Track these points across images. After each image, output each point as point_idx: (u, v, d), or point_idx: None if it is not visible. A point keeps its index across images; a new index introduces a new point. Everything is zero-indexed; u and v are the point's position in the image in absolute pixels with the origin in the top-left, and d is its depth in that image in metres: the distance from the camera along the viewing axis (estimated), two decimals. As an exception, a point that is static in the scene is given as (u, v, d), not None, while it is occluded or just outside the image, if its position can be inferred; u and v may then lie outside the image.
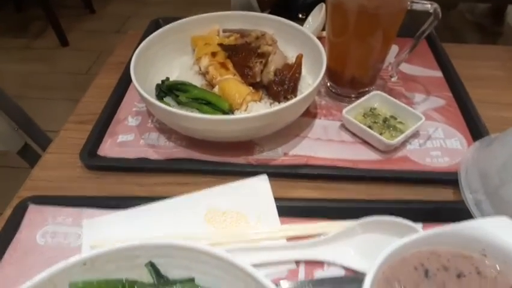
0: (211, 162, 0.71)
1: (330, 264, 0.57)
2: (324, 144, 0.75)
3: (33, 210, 0.62)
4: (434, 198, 0.66)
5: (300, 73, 0.79)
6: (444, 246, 0.50)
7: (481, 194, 0.62)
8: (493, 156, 0.64)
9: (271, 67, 0.77)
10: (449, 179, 0.67)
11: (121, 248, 0.45)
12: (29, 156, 1.17)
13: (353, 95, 0.83)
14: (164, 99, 0.76)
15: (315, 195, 0.67)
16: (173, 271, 0.48)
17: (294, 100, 0.67)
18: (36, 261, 0.56)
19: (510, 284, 0.47)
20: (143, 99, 0.69)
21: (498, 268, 0.48)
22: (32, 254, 0.57)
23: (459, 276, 0.48)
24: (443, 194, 0.67)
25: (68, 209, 0.62)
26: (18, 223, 0.61)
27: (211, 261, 0.47)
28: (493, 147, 0.66)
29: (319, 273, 0.56)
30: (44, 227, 0.60)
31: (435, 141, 0.75)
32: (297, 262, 0.57)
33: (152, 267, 0.47)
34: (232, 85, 0.74)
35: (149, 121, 0.79)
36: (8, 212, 0.63)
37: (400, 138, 0.71)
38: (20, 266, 0.56)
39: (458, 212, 0.59)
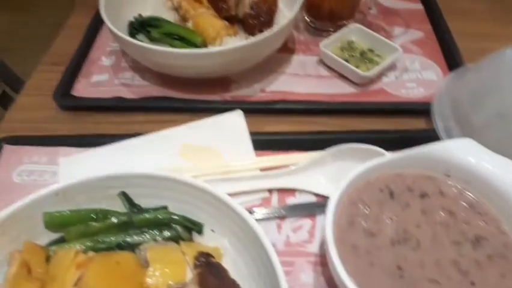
0: (187, 100, 0.71)
1: (301, 191, 0.59)
2: (302, 79, 0.75)
3: (8, 150, 0.62)
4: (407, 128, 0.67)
5: (276, 6, 0.77)
6: (410, 169, 0.51)
7: (452, 121, 0.62)
8: (466, 84, 0.65)
9: (247, 0, 0.75)
10: (422, 109, 0.67)
11: (92, 179, 0.46)
12: (7, 104, 1.15)
13: (331, 29, 0.82)
14: (136, 36, 0.74)
15: (290, 130, 0.68)
16: (145, 200, 0.50)
17: (269, 32, 0.65)
18: (13, 199, 0.57)
19: (470, 201, 0.49)
20: (114, 36, 0.67)
21: (460, 187, 0.50)
22: (9, 192, 0.58)
23: (423, 196, 0.50)
24: (416, 124, 0.68)
25: (44, 148, 0.63)
26: (-6, 164, 0.61)
27: (182, 188, 0.48)
28: (467, 77, 0.67)
29: (291, 201, 0.58)
30: (19, 166, 0.61)
31: (411, 74, 0.75)
32: (270, 191, 0.59)
33: (125, 196, 0.48)
34: (206, 19, 0.72)
35: (124, 60, 0.77)
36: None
37: (375, 70, 0.70)
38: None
39: (429, 140, 0.60)
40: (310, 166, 0.59)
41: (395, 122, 0.68)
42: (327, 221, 0.44)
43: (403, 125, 0.68)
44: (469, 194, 0.49)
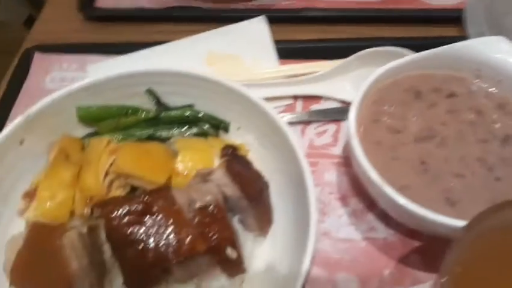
0: (210, 9, 0.69)
1: (326, 98, 0.59)
2: (328, -14, 0.72)
3: (39, 58, 0.64)
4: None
5: None
6: (438, 70, 0.50)
7: (484, 26, 0.60)
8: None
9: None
10: (454, 16, 0.64)
11: (121, 74, 0.47)
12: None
13: None
14: None
15: (314, 37, 0.66)
16: (173, 98, 0.51)
17: None
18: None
19: (500, 101, 0.48)
20: None
21: (490, 87, 0.49)
22: (43, 97, 0.60)
23: (450, 96, 0.49)
24: (447, 33, 0.65)
25: (72, 56, 0.64)
26: (26, 71, 0.63)
27: (209, 87, 0.49)
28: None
29: (315, 107, 0.58)
30: (51, 73, 0.62)
31: (445, -20, 0.71)
32: (295, 98, 0.59)
33: (151, 93, 0.49)
34: None
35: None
36: (15, 62, 0.65)
37: (406, -26, 0.67)
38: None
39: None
40: (335, 72, 0.58)
41: (424, 30, 0.65)
42: (350, 116, 0.45)
43: (433, 33, 0.65)
44: (499, 93, 0.48)
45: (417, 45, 0.60)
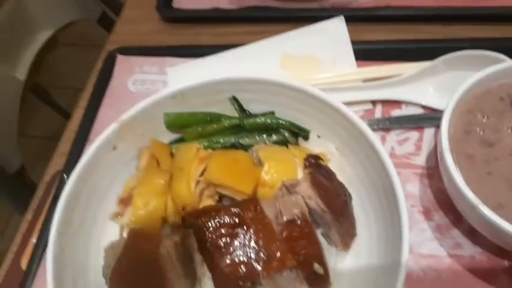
0: (286, 9, 0.69)
1: (407, 103, 0.56)
2: (408, -16, 0.68)
3: (121, 60, 0.67)
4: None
5: None
6: (539, 77, 0.47)
7: None
8: None
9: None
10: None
11: (206, 82, 0.48)
12: (107, 25, 1.21)
13: None
14: None
15: (394, 38, 0.63)
16: (255, 105, 0.51)
17: None
18: (131, 105, 0.62)
19: None
20: None
21: None
22: (126, 99, 0.63)
23: (551, 107, 0.45)
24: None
25: (153, 58, 0.66)
26: (110, 72, 0.66)
27: (290, 94, 0.49)
28: None
29: (396, 113, 0.56)
30: (133, 75, 0.65)
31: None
32: (374, 102, 0.57)
33: (236, 101, 0.50)
34: None
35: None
36: (99, 64, 0.68)
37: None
38: (117, 109, 0.62)
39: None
40: (418, 76, 0.56)
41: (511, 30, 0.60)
42: (442, 128, 0.43)
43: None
44: None
45: (507, 46, 0.56)
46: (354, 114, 0.45)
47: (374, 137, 0.43)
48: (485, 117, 0.45)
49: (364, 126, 0.44)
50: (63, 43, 1.26)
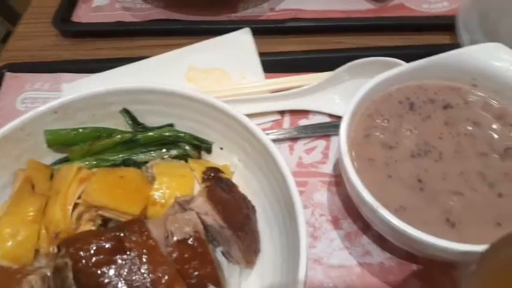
0: (191, 21, 0.66)
1: (315, 113, 0.56)
2: (314, -4, 0.69)
3: (9, 78, 0.60)
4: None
5: None
6: (432, 80, 0.47)
7: (479, 33, 0.57)
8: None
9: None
10: (446, 24, 0.62)
11: (91, 94, 0.44)
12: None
13: None
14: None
15: (302, 49, 0.63)
16: (151, 118, 0.47)
17: None
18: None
19: (498, 111, 0.45)
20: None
21: (487, 97, 0.46)
22: (14, 119, 0.56)
23: (446, 107, 0.46)
24: (440, 41, 0.63)
25: (46, 75, 0.60)
26: (-3, 92, 0.59)
27: (189, 105, 0.45)
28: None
29: (303, 122, 0.55)
30: (22, 94, 0.59)
31: (435, -14, 0.68)
32: (282, 113, 0.56)
33: (127, 113, 0.46)
34: None
35: (124, -17, 0.73)
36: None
37: (395, -19, 0.64)
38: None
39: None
40: (324, 85, 0.55)
41: (416, 39, 0.63)
42: (341, 132, 0.42)
43: (425, 41, 0.62)
44: (498, 104, 0.45)
45: (408, 54, 0.58)
46: (254, 124, 0.43)
47: (274, 148, 0.41)
48: (385, 121, 0.45)
49: (264, 137, 0.42)
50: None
